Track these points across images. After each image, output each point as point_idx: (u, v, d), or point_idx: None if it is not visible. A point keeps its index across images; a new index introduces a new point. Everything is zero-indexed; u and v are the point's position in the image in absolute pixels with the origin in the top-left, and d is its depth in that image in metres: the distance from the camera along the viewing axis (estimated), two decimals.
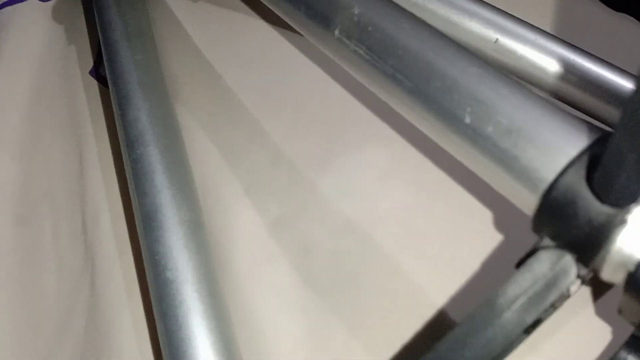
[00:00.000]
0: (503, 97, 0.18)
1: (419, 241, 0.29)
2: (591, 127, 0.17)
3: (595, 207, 0.15)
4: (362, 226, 0.31)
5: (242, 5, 0.41)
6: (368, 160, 0.33)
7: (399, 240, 0.30)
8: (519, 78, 0.30)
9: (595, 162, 0.15)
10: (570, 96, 0.28)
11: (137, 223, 0.26)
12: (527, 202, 0.18)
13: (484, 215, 0.29)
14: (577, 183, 0.16)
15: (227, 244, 0.30)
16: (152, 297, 0.24)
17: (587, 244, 0.16)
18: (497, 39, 0.31)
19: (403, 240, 0.30)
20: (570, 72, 0.28)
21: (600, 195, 0.15)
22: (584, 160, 0.16)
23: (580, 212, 0.16)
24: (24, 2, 0.43)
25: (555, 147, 0.17)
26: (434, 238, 0.29)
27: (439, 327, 0.27)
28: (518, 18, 0.31)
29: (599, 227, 0.15)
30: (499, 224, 0.28)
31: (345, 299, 0.29)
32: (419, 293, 0.28)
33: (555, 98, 0.29)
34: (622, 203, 0.15)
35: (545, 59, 0.29)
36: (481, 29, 0.32)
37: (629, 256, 0.16)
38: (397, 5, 0.23)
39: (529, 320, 0.16)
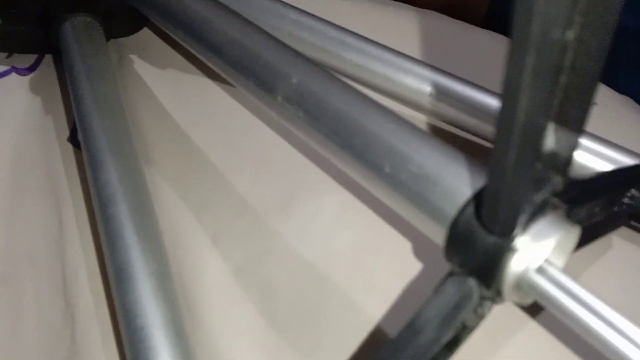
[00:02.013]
0: (413, 148, 0.22)
1: (369, 276, 0.32)
2: (481, 170, 0.20)
3: (485, 239, 0.18)
4: (319, 266, 0.34)
5: (207, 70, 0.45)
6: (322, 206, 0.36)
7: (351, 277, 0.33)
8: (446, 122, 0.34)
9: (481, 202, 0.18)
10: (479, 128, 0.32)
11: (109, 276, 0.29)
12: (439, 236, 0.21)
13: (426, 250, 0.32)
14: (471, 218, 0.19)
15: (196, 291, 0.33)
16: (124, 344, 0.27)
17: (484, 270, 0.19)
18: (430, 92, 0.35)
19: (355, 276, 0.32)
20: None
21: (488, 227, 0.18)
22: (474, 199, 0.19)
23: (475, 244, 0.19)
24: (4, 77, 0.46)
25: (456, 188, 0.20)
26: (382, 272, 0.32)
27: None
28: (447, 72, 0.35)
29: (490, 256, 0.18)
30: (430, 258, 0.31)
31: (304, 335, 0.31)
32: (370, 324, 0.30)
33: (477, 136, 0.33)
34: (506, 233, 0.18)
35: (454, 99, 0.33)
36: (415, 84, 0.36)
37: (521, 277, 0.19)
38: (328, 74, 0.26)
39: (445, 338, 0.19)
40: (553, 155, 0.18)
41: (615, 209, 0.29)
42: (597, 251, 0.31)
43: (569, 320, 0.18)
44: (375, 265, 0.32)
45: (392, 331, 0.30)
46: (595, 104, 0.45)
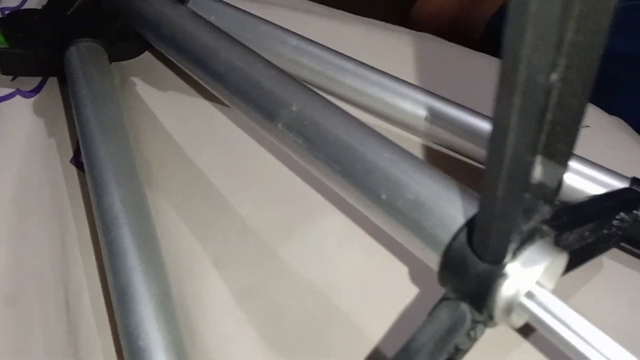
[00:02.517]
0: (409, 176, 0.23)
1: (375, 301, 0.33)
2: (474, 198, 0.21)
3: (477, 265, 0.19)
4: (323, 290, 0.34)
5: (209, 93, 0.46)
6: (327, 229, 0.37)
7: (357, 301, 0.33)
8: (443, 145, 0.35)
9: (473, 231, 0.19)
10: (474, 152, 0.33)
11: (112, 298, 0.29)
12: (434, 261, 0.21)
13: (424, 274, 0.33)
14: (463, 246, 0.20)
15: (199, 313, 0.33)
16: None
17: (476, 295, 0.20)
18: (426, 116, 0.36)
19: (360, 300, 0.33)
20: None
21: (480, 255, 0.19)
22: (467, 227, 0.20)
23: (468, 270, 0.20)
24: (9, 100, 0.47)
25: (449, 216, 0.21)
26: (386, 295, 0.33)
27: None
28: (443, 97, 0.36)
29: (482, 282, 0.19)
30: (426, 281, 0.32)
31: (309, 359, 0.32)
32: (374, 346, 0.31)
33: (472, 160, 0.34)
34: (496, 260, 0.19)
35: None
36: (412, 108, 0.37)
37: (512, 301, 0.19)
38: (328, 102, 0.27)
39: None
40: (541, 186, 0.19)
41: (605, 231, 0.30)
42: (588, 272, 0.32)
43: (559, 342, 0.19)
44: (379, 289, 0.33)
45: (390, 353, 0.31)
46: (587, 126, 0.46)
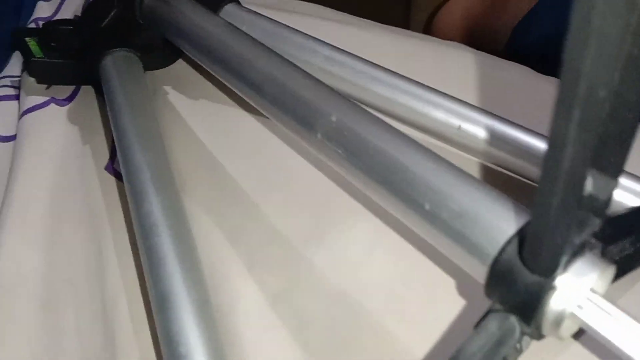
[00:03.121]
0: (453, 186, 0.23)
1: (401, 306, 0.33)
2: (523, 210, 0.21)
3: (527, 277, 0.19)
4: (351, 296, 0.35)
5: (238, 101, 0.46)
6: (354, 235, 0.37)
7: (383, 307, 0.33)
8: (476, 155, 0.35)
9: (524, 242, 0.19)
10: (519, 168, 0.33)
11: (152, 304, 0.30)
12: (480, 273, 0.21)
13: (452, 283, 0.33)
14: (513, 258, 0.20)
15: (232, 317, 0.34)
16: None
17: (525, 308, 0.20)
18: (459, 126, 0.36)
19: (387, 306, 0.33)
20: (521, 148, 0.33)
21: (530, 267, 0.19)
22: (517, 238, 0.20)
23: (517, 282, 0.20)
24: (44, 108, 0.48)
25: (496, 227, 0.21)
26: (413, 303, 0.33)
27: None
28: (476, 106, 0.37)
29: (532, 294, 0.19)
30: (464, 291, 0.32)
31: None
32: (403, 354, 0.31)
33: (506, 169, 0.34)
34: (547, 273, 0.19)
35: (499, 140, 0.34)
36: (445, 117, 0.37)
37: (560, 314, 0.19)
38: (367, 112, 0.28)
39: None
40: (592, 198, 0.19)
41: None
42: (631, 279, 0.32)
43: (613, 349, 0.19)
44: (408, 296, 0.33)
45: None
46: None
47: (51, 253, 0.39)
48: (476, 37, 0.71)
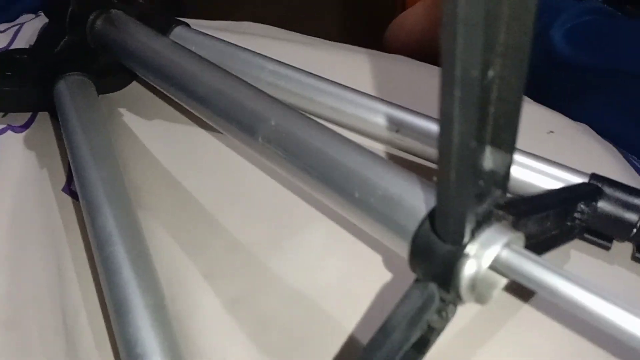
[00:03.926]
0: (378, 175, 0.25)
1: (356, 303, 0.35)
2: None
3: (441, 248, 0.21)
4: (308, 297, 0.36)
5: (193, 119, 0.48)
6: (310, 239, 0.39)
7: (338, 303, 0.35)
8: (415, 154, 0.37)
9: (434, 216, 0.22)
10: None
11: (109, 310, 0.31)
12: (404, 250, 0.24)
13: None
14: (428, 232, 0.22)
15: (192, 324, 0.35)
16: None
17: (442, 275, 0.22)
18: (397, 129, 0.39)
19: (342, 302, 0.35)
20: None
21: (442, 238, 0.21)
22: (430, 215, 0.22)
23: (433, 253, 0.22)
24: (1, 135, 0.49)
25: (416, 207, 0.23)
26: (367, 298, 0.35)
27: None
28: (412, 110, 0.39)
29: (446, 262, 0.21)
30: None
31: None
32: (359, 346, 0.33)
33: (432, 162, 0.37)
34: (457, 241, 0.21)
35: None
36: (384, 122, 0.39)
37: (473, 279, 0.22)
38: (303, 115, 0.30)
39: (413, 338, 0.22)
40: (492, 173, 0.21)
41: (568, 223, 0.32)
42: (556, 264, 0.34)
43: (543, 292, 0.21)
44: (361, 292, 0.35)
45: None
46: (551, 131, 0.49)
47: (13, 274, 0.40)
48: (425, 51, 0.75)
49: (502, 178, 0.21)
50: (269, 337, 0.35)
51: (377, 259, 0.37)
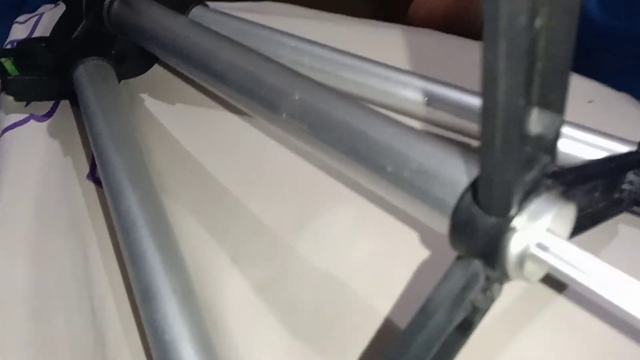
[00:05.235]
0: (412, 147, 0.23)
1: (386, 283, 0.33)
2: (476, 160, 0.21)
3: (485, 221, 0.20)
4: (337, 278, 0.35)
5: (214, 101, 0.47)
6: (335, 220, 0.37)
7: (368, 285, 0.34)
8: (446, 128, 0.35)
9: (477, 187, 0.20)
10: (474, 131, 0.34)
11: (136, 297, 0.30)
12: (443, 226, 0.22)
13: (436, 253, 0.33)
14: (470, 204, 0.20)
15: (219, 308, 0.34)
16: None
17: (487, 251, 0.20)
18: (427, 101, 0.37)
19: (372, 284, 0.34)
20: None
21: (487, 210, 0.20)
22: (472, 186, 0.20)
23: (476, 227, 0.20)
24: (24, 125, 0.49)
25: (454, 179, 0.21)
26: (401, 278, 0.33)
27: None
28: (443, 81, 0.37)
29: (491, 236, 0.20)
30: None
31: (330, 345, 0.32)
32: (395, 329, 0.31)
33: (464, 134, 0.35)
34: (503, 213, 0.19)
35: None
36: (413, 95, 0.37)
37: (522, 254, 0.20)
38: (327, 88, 0.28)
39: (456, 319, 0.20)
40: (540, 137, 0.19)
41: (617, 195, 0.30)
42: (603, 239, 0.32)
43: (580, 288, 0.19)
44: (395, 272, 0.33)
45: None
46: (591, 101, 0.46)
47: (39, 263, 0.40)
48: (449, 28, 0.72)
49: (551, 143, 0.19)
50: (300, 320, 0.33)
51: (410, 237, 0.35)
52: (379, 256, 0.35)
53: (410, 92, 0.37)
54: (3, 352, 0.36)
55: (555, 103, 0.19)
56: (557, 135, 0.20)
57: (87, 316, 0.36)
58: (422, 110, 0.37)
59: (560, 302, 0.30)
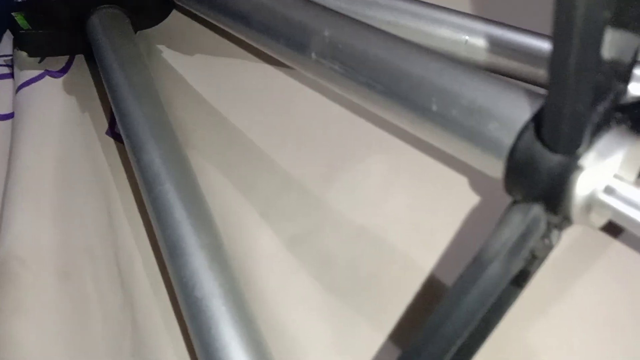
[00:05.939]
0: (461, 83, 0.21)
1: (425, 235, 0.31)
2: (536, 94, 0.19)
3: (549, 158, 0.17)
4: (372, 230, 0.33)
5: (236, 50, 0.44)
6: (369, 170, 0.35)
7: (407, 237, 0.32)
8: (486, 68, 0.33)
9: (542, 121, 0.17)
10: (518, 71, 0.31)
11: (163, 254, 0.29)
12: (497, 169, 0.20)
13: (478, 201, 0.31)
14: (531, 142, 0.18)
15: (251, 264, 0.33)
16: (185, 318, 0.27)
17: (550, 193, 0.18)
18: (466, 40, 0.34)
19: (410, 236, 0.32)
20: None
21: (552, 147, 0.17)
22: (533, 122, 0.18)
23: (538, 166, 0.18)
24: (39, 81, 0.47)
25: (510, 117, 0.19)
26: (437, 229, 0.31)
27: None
28: (482, 17, 0.34)
29: (556, 176, 0.17)
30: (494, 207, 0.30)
31: (366, 299, 0.31)
32: (433, 282, 0.30)
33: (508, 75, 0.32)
34: (571, 149, 0.17)
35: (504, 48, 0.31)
36: (451, 34, 0.35)
37: (590, 197, 0.18)
38: (360, 22, 0.26)
39: (514, 270, 0.18)
40: (613, 61, 0.17)
41: None
42: None
43: None
44: (433, 223, 0.31)
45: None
46: None
47: (64, 222, 0.39)
48: None
49: (626, 68, 0.17)
50: (334, 275, 0.32)
51: (448, 186, 0.33)
52: (414, 207, 0.33)
53: (447, 30, 0.35)
54: (35, 309, 0.36)
55: (634, 21, 0.16)
56: (633, 60, 0.17)
57: (115, 275, 0.35)
58: (460, 48, 0.34)
59: (615, 249, 0.28)
